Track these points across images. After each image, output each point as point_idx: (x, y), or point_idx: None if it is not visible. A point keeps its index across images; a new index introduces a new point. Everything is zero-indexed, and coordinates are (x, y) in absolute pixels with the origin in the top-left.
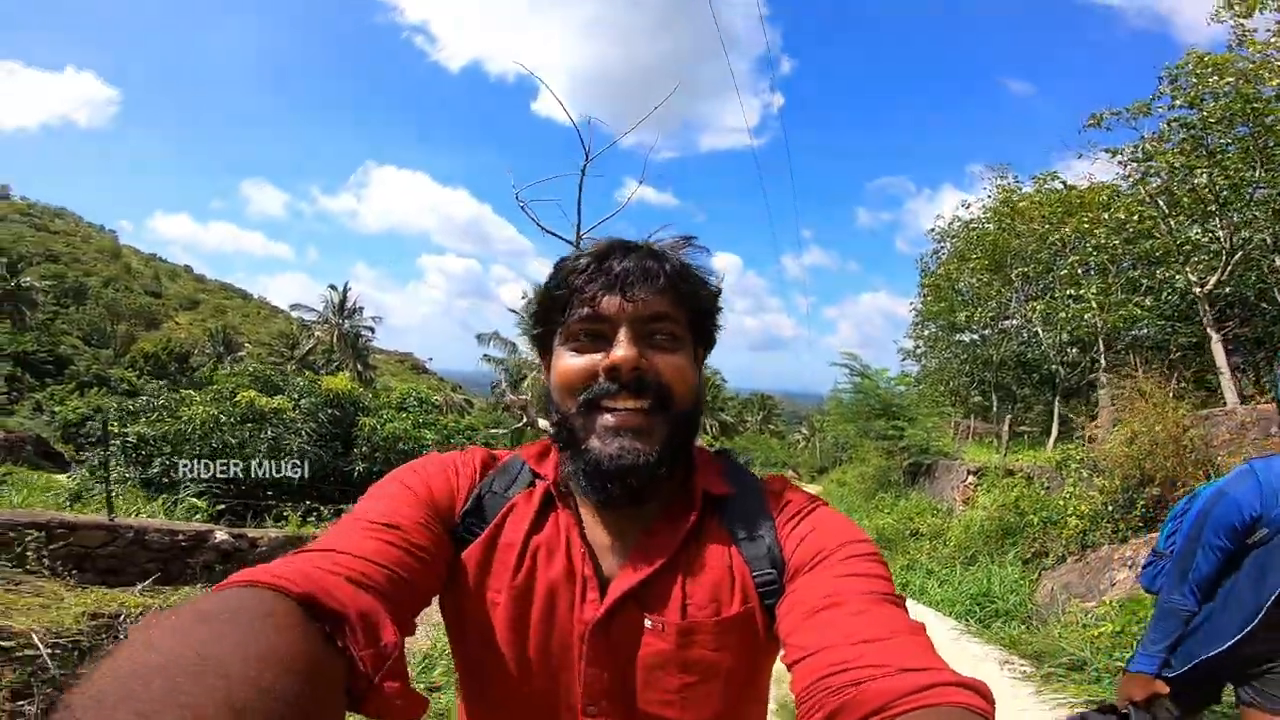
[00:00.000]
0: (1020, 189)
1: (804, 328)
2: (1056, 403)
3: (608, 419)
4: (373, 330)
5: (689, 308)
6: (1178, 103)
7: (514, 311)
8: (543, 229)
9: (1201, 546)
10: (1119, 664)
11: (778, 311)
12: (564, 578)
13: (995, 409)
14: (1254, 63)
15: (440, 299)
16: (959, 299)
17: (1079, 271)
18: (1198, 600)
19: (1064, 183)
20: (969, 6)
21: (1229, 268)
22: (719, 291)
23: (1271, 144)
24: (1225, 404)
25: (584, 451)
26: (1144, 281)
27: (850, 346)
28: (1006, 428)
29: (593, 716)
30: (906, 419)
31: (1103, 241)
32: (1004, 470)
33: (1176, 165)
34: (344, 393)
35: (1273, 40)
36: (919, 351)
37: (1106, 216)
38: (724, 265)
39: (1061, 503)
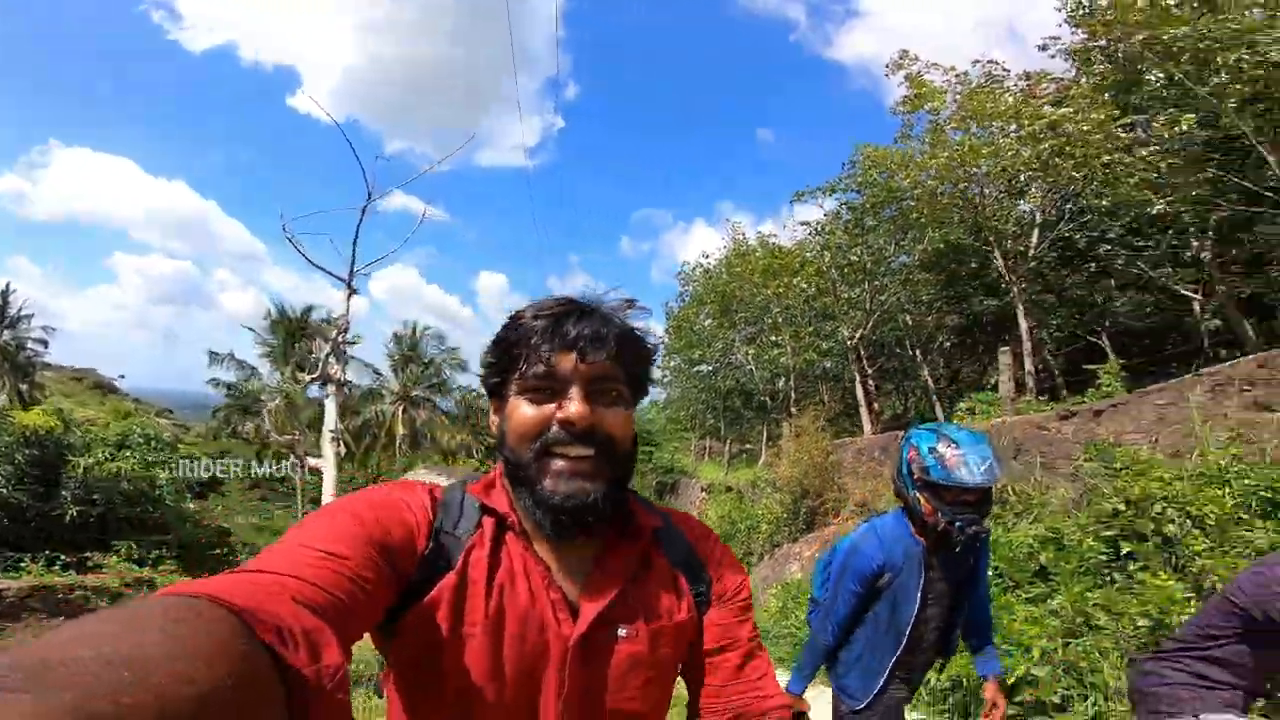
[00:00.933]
0: (748, 242)
1: None
2: (767, 426)
3: (559, 464)
4: (45, 344)
5: (630, 368)
6: (849, 188)
7: (250, 329)
8: (313, 264)
9: (841, 592)
10: (783, 629)
11: None
12: (530, 603)
13: (724, 431)
14: (895, 161)
15: (135, 304)
16: (696, 338)
17: (779, 322)
18: (836, 637)
19: (777, 244)
20: (737, 60)
21: (871, 322)
22: (656, 349)
23: (908, 225)
24: (864, 432)
25: (538, 491)
26: (821, 331)
27: None
28: (728, 449)
29: (563, 712)
30: (654, 443)
31: (791, 301)
32: (725, 486)
33: (840, 243)
34: (44, 430)
35: (923, 137)
36: (665, 380)
37: (796, 281)
38: (490, 285)
39: (759, 512)
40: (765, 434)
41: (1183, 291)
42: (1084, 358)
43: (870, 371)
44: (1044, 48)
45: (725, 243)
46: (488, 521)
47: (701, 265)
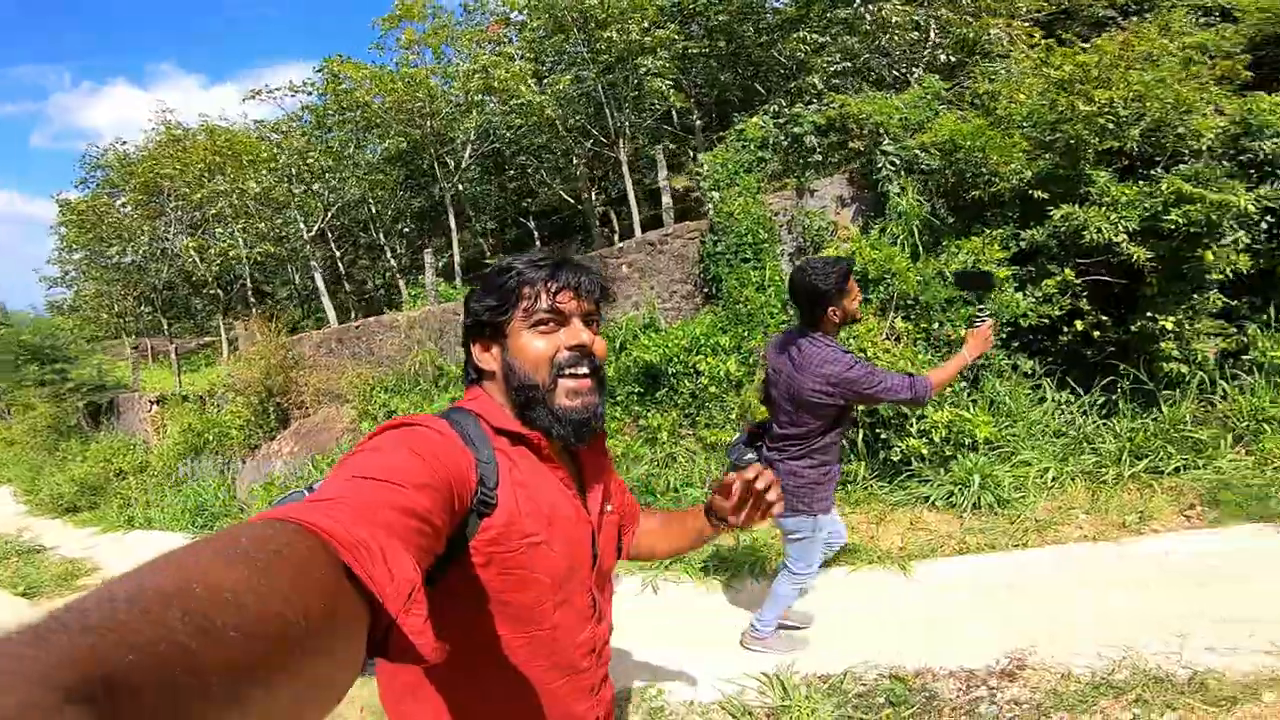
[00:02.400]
0: (183, 127)
1: None
2: (223, 323)
3: (569, 383)
4: None
5: (602, 304)
6: (314, 91)
7: None
8: None
9: None
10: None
11: None
12: (563, 501)
13: (168, 329)
14: (361, 75)
15: None
16: (110, 230)
17: (228, 213)
18: None
19: (228, 133)
20: None
21: (330, 214)
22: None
23: (371, 126)
24: (329, 320)
25: (555, 408)
26: (281, 219)
27: None
28: (174, 354)
29: (595, 577)
30: (66, 359)
31: (238, 199)
32: (180, 396)
33: (298, 145)
34: None
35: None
36: (70, 278)
37: (246, 179)
38: None
39: (226, 419)
40: (222, 328)
41: (563, 195)
42: (519, 239)
43: (339, 255)
44: None
45: (154, 126)
46: (501, 442)
47: (115, 150)
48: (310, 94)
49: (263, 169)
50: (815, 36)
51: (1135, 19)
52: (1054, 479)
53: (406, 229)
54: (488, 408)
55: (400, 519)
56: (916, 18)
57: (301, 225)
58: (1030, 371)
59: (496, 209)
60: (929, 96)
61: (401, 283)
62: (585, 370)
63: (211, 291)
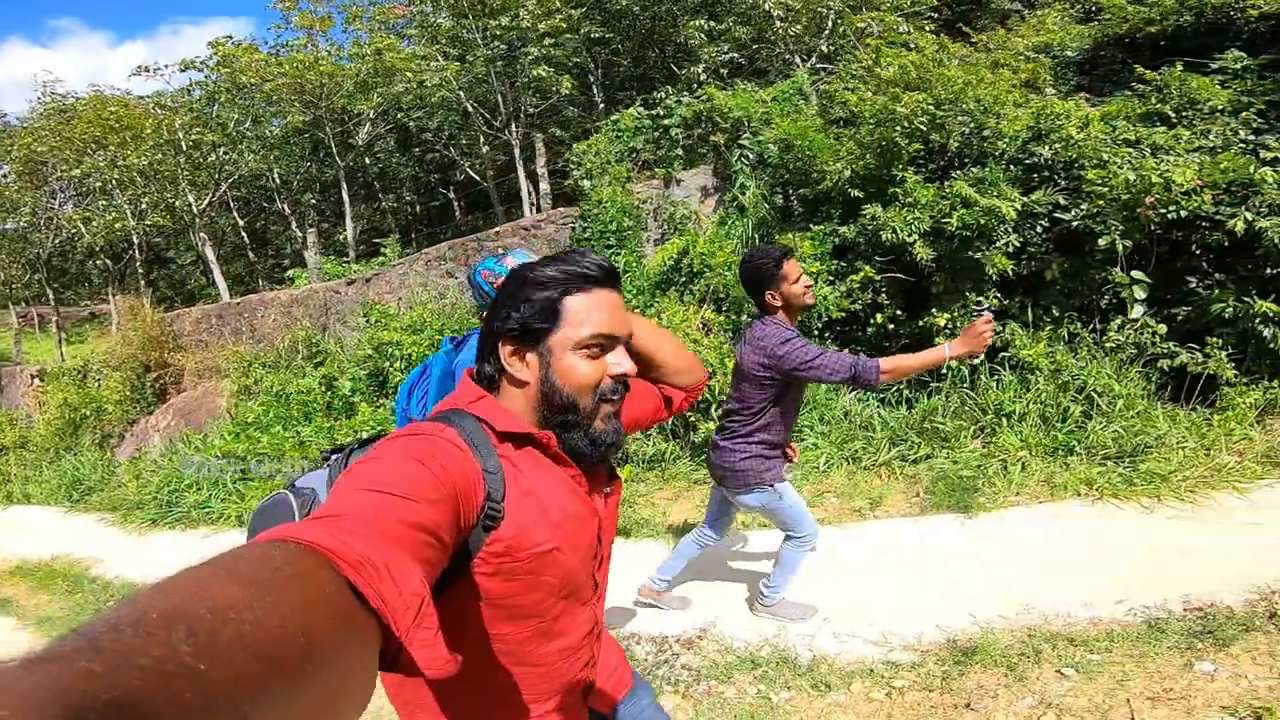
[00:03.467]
0: (72, 97)
1: None
2: (112, 296)
3: (608, 409)
4: None
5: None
6: (204, 71)
7: None
8: None
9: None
10: (147, 494)
11: None
12: (571, 496)
13: (54, 298)
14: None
15: None
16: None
17: (112, 186)
18: None
19: (118, 102)
20: None
21: (224, 188)
22: None
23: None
24: (220, 294)
25: (591, 431)
26: (174, 191)
27: None
28: (57, 326)
29: (599, 562)
30: None
31: (120, 172)
32: (61, 371)
33: (183, 121)
34: None
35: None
36: None
37: (129, 154)
38: None
39: (103, 394)
40: (111, 299)
41: (470, 173)
42: (441, 210)
43: (243, 224)
44: None
45: (39, 96)
46: (505, 447)
47: None
48: (201, 72)
49: (147, 144)
50: (713, 24)
51: (1042, 10)
52: (827, 463)
53: (314, 199)
54: (492, 411)
55: (408, 533)
56: (813, 8)
57: (190, 199)
58: None
59: (413, 181)
60: (791, 92)
61: (306, 254)
62: (620, 394)
63: (101, 262)
